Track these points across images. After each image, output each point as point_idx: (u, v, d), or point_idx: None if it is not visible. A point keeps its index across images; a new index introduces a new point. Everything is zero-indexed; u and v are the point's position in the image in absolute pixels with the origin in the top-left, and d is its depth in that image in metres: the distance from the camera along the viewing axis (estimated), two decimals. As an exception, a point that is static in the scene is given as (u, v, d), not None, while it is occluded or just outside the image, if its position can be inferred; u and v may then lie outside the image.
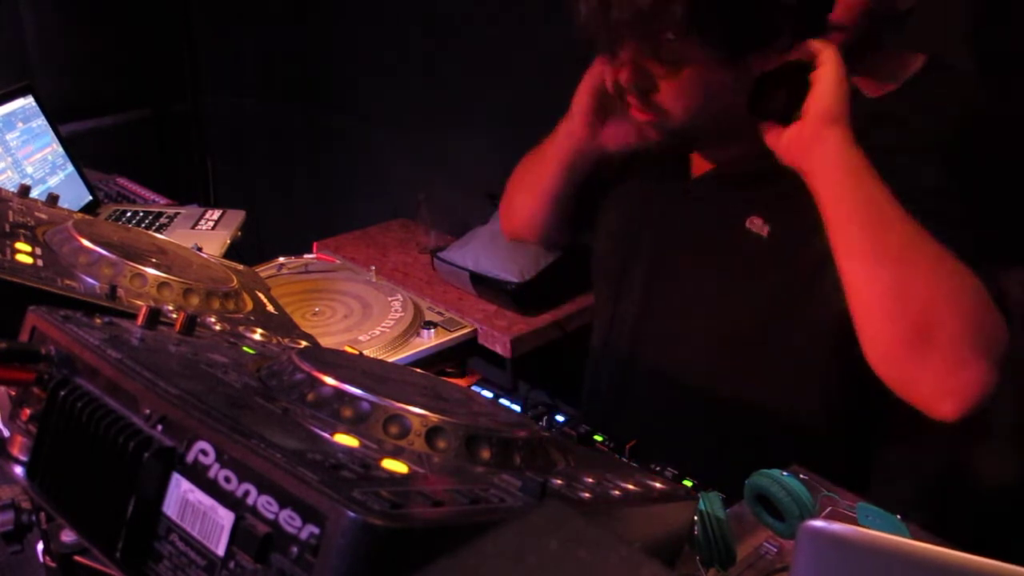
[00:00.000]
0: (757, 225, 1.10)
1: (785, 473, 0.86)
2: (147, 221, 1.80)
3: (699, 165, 1.19)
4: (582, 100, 1.17)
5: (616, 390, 1.30)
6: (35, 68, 2.62)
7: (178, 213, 1.86)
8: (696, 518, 0.80)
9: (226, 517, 0.44)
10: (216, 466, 0.45)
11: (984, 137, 1.18)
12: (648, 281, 1.24)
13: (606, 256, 1.32)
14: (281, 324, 0.96)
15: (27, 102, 1.87)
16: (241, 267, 1.17)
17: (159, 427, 0.48)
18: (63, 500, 0.51)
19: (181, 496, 0.46)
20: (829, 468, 0.96)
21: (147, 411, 0.49)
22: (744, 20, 0.95)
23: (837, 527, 0.50)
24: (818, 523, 0.51)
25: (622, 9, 0.94)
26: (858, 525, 0.79)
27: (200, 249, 1.16)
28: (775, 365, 1.12)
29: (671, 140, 1.10)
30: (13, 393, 0.56)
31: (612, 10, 0.95)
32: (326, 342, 1.14)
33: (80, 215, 1.09)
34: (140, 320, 0.64)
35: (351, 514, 0.40)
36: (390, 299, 1.45)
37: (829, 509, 0.89)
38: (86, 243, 0.85)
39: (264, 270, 1.54)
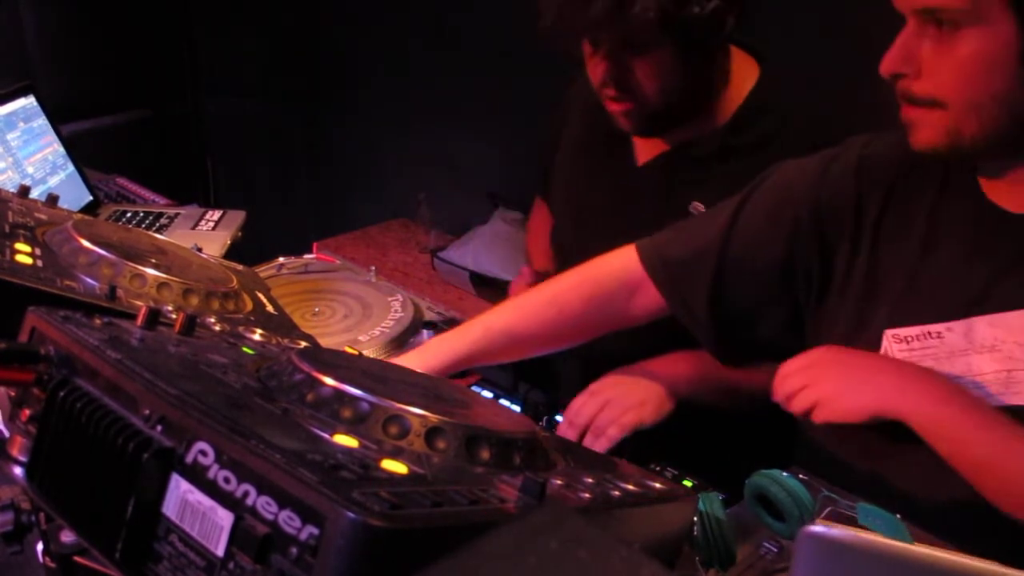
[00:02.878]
0: (699, 211, 1.16)
1: (785, 473, 0.86)
2: (147, 221, 1.80)
3: (643, 153, 1.25)
4: None
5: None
6: (35, 68, 2.62)
7: (178, 213, 1.85)
8: (696, 518, 0.80)
9: (225, 518, 0.44)
10: (215, 467, 0.45)
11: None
12: None
13: (560, 245, 1.38)
14: (281, 324, 0.96)
15: (28, 102, 1.87)
16: (241, 267, 1.17)
17: (158, 428, 0.48)
18: (63, 501, 0.51)
19: (180, 497, 0.46)
20: (829, 468, 0.96)
21: (146, 412, 0.49)
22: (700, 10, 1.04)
23: (837, 532, 0.50)
24: (818, 528, 0.50)
25: (599, 4, 1.00)
26: (858, 525, 0.79)
27: (200, 249, 1.16)
28: None
29: (643, 127, 1.18)
30: (13, 394, 0.56)
31: (590, 7, 1.01)
32: (326, 342, 1.14)
33: (80, 215, 1.09)
34: (139, 321, 0.64)
35: (350, 515, 0.40)
36: (390, 299, 1.45)
37: (829, 509, 0.89)
38: (86, 243, 0.85)
39: (264, 270, 1.54)
